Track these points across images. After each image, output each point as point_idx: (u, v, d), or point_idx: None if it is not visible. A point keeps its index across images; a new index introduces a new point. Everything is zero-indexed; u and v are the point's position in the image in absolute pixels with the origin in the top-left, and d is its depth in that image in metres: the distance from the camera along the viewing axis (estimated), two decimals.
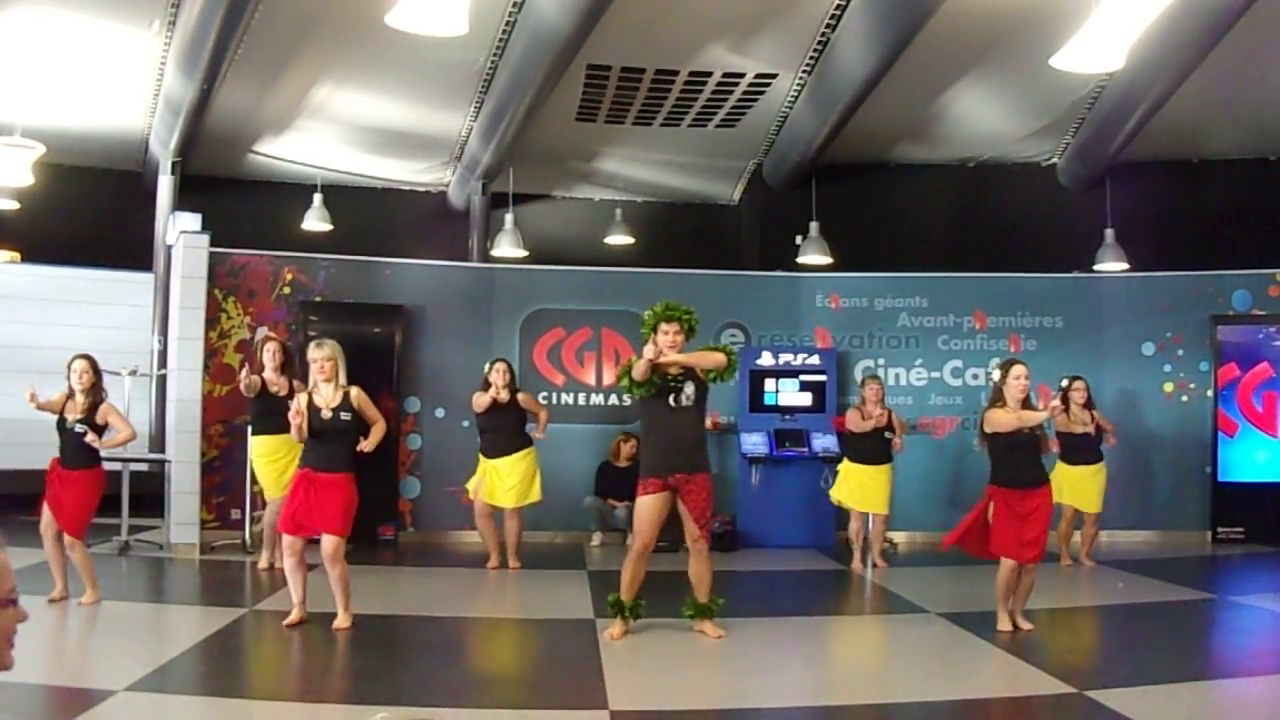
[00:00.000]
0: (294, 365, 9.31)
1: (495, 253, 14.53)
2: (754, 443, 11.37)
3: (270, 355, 9.18)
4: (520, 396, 9.78)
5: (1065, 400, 9.59)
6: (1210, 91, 12.22)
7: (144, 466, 11.17)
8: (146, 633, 7.32)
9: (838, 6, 11.14)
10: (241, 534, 10.28)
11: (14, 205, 13.37)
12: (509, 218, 14.51)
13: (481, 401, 9.64)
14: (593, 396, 11.65)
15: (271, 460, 9.11)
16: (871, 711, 5.65)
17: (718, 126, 13.95)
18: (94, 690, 5.40)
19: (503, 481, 9.65)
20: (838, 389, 11.58)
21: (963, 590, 8.82)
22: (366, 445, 7.08)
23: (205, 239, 10.48)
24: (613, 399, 11.62)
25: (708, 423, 7.82)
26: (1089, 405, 9.95)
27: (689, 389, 6.91)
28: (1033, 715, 5.60)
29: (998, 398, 7.17)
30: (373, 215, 15.42)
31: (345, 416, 6.95)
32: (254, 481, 9.70)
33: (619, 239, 15.43)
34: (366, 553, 9.79)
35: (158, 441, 11.96)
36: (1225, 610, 8.38)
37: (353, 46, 11.87)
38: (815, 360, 11.62)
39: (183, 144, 13.18)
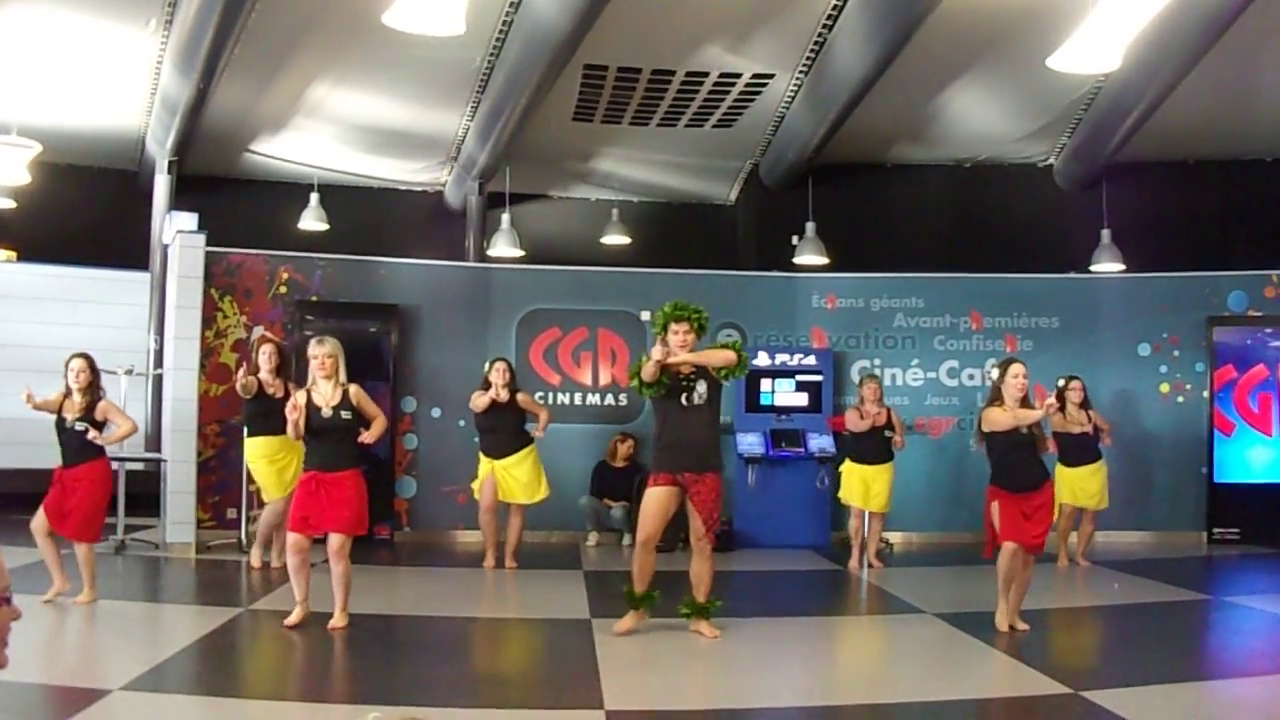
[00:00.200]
0: (290, 368, 9.30)
1: (492, 252, 14.52)
2: (750, 443, 11.38)
3: (266, 357, 9.15)
4: (520, 397, 9.75)
5: (1061, 400, 9.61)
6: (1207, 93, 12.23)
7: (140, 466, 11.17)
8: (142, 632, 7.31)
9: (834, 6, 11.14)
10: (237, 533, 10.27)
11: (10, 204, 13.36)
12: (505, 217, 14.50)
13: (480, 403, 9.61)
14: (589, 396, 11.65)
15: (271, 461, 9.10)
16: (867, 712, 5.66)
17: (714, 126, 13.95)
18: (89, 689, 5.39)
19: (515, 478, 9.64)
20: (834, 389, 11.59)
21: (959, 591, 8.85)
22: (368, 436, 7.07)
23: (201, 238, 10.48)
24: (609, 399, 11.62)
25: None
26: (1085, 405, 9.97)
27: (701, 388, 6.92)
28: (1029, 715, 5.60)
29: (995, 396, 7.18)
30: (369, 215, 15.41)
31: (345, 415, 6.94)
32: (250, 481, 9.69)
33: (615, 239, 15.43)
34: (362, 552, 9.71)
35: (154, 441, 11.95)
36: (1221, 611, 8.39)
37: (349, 46, 11.86)
38: (811, 360, 11.63)
39: (179, 143, 13.16)
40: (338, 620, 6.91)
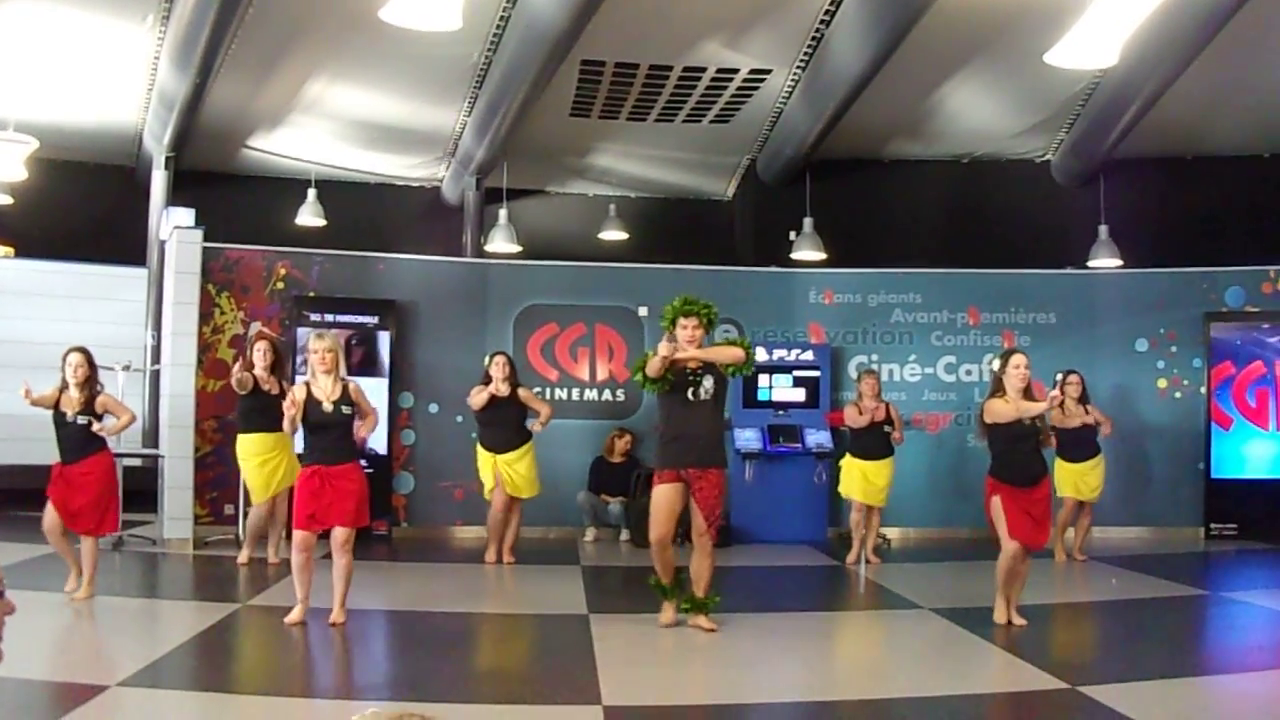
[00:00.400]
0: (285, 365, 9.30)
1: (489, 248, 14.51)
2: (748, 438, 11.38)
3: (261, 354, 9.15)
4: (520, 392, 9.74)
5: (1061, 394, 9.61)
6: (1205, 88, 12.23)
7: (138, 461, 11.17)
8: (140, 627, 7.32)
9: (832, 1, 11.14)
10: (235, 529, 10.26)
11: (7, 200, 13.35)
12: (503, 213, 14.49)
13: (478, 400, 9.60)
14: (586, 392, 11.65)
15: (262, 462, 9.11)
16: (865, 706, 5.66)
17: (712, 122, 13.95)
18: (87, 685, 5.39)
19: (516, 473, 9.64)
20: (831, 385, 11.60)
21: (956, 586, 8.85)
22: (362, 429, 7.09)
23: (199, 234, 10.48)
24: (606, 394, 11.62)
25: None
26: (1084, 399, 9.97)
27: (708, 383, 6.92)
28: (1026, 711, 5.61)
29: (997, 388, 7.17)
30: (366, 210, 15.40)
31: (346, 410, 6.95)
32: None
33: (613, 234, 15.43)
34: (360, 547, 9.68)
35: (151, 436, 11.94)
36: (1218, 606, 8.41)
37: (347, 41, 11.85)
38: (809, 356, 11.63)
39: (176, 139, 13.16)
40: (337, 615, 6.91)
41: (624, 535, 11.04)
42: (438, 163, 15.23)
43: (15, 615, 2.50)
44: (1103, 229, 13.71)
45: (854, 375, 11.24)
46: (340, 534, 6.89)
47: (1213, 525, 11.41)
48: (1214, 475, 11.47)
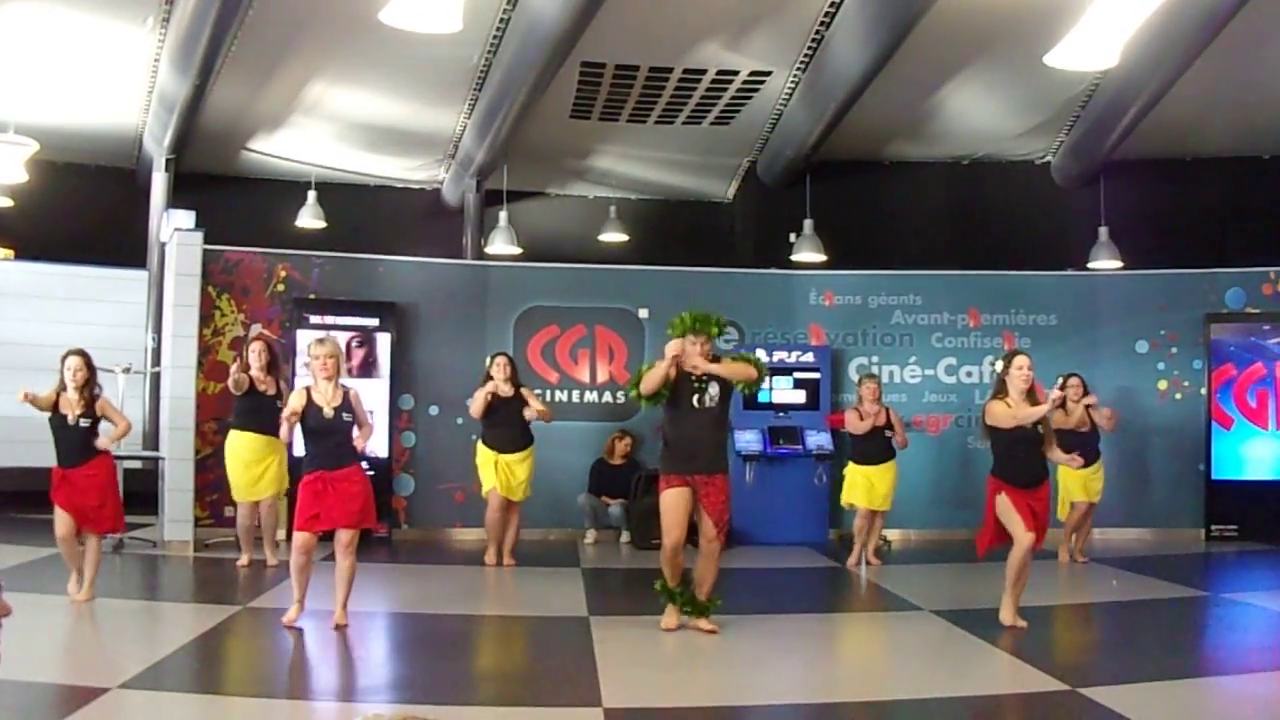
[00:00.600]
0: (280, 365, 9.31)
1: (489, 250, 14.52)
2: (748, 440, 11.37)
3: (255, 355, 9.18)
4: (523, 392, 9.74)
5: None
6: (1205, 90, 12.23)
7: (138, 464, 11.16)
8: (140, 630, 7.31)
9: (832, 3, 11.14)
10: (235, 531, 10.24)
11: (8, 202, 13.35)
12: (503, 215, 14.50)
13: (477, 407, 9.61)
14: (587, 394, 11.64)
15: (247, 465, 9.13)
16: (866, 709, 5.66)
17: (712, 124, 13.95)
18: (88, 687, 5.39)
19: (515, 476, 9.64)
20: (832, 386, 11.59)
21: (957, 588, 8.85)
22: (360, 441, 7.09)
23: (199, 236, 10.47)
24: (606, 396, 11.62)
25: None
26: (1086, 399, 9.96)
27: (713, 390, 6.94)
28: (1027, 712, 5.60)
29: (1000, 389, 7.18)
30: (367, 212, 15.40)
31: (346, 416, 6.95)
32: None
33: (613, 236, 15.44)
34: (361, 549, 9.68)
35: (151, 439, 11.94)
36: (1218, 608, 8.39)
37: (347, 43, 11.85)
38: (809, 358, 11.63)
39: (177, 141, 13.16)
40: (339, 617, 6.90)
41: (624, 537, 11.04)
42: (438, 165, 15.23)
43: (16, 618, 2.50)
44: (1103, 230, 13.71)
45: (854, 377, 11.24)
46: (345, 535, 6.89)
47: (1213, 527, 11.40)
48: (1214, 477, 11.46)
